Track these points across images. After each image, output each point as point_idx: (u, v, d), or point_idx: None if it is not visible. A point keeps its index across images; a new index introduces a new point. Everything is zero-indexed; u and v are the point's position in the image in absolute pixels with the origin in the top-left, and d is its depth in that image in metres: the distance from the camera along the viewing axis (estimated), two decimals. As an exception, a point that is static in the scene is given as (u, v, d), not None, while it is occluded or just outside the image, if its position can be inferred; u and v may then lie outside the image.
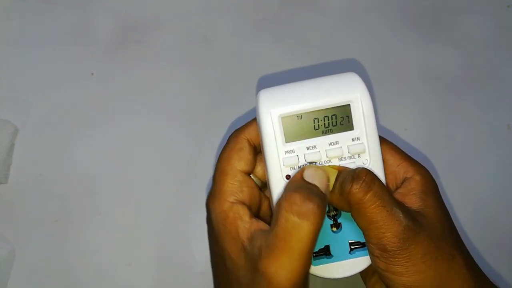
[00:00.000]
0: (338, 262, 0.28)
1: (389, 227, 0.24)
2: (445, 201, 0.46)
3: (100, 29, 0.51)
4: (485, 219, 0.46)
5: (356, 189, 0.25)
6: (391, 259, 0.25)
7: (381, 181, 0.26)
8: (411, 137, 0.48)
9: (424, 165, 0.30)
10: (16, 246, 0.44)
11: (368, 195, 0.25)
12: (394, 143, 0.31)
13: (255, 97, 0.49)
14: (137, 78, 0.49)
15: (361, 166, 0.28)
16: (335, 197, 0.27)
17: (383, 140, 0.30)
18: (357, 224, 0.26)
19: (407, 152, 0.31)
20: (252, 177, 0.30)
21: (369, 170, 0.26)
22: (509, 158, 0.48)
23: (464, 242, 0.28)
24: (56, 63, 0.50)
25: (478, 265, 0.27)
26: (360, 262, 0.28)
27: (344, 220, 0.29)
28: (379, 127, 0.31)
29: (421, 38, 0.52)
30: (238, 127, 0.31)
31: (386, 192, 0.26)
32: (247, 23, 0.52)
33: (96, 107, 0.48)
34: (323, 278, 0.28)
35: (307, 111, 0.28)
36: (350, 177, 0.26)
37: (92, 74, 0.49)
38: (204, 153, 0.47)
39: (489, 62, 0.51)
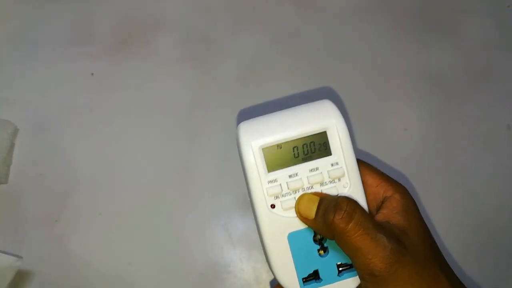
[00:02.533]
0: (328, 285, 0.29)
1: (374, 253, 0.25)
2: (444, 202, 0.46)
3: (100, 29, 0.51)
4: (485, 219, 0.46)
5: (338, 220, 0.26)
6: (380, 283, 0.25)
7: (362, 208, 0.27)
8: (411, 137, 0.48)
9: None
10: (16, 246, 0.44)
11: (351, 224, 0.26)
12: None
13: (254, 96, 0.49)
14: (137, 78, 0.49)
15: (343, 191, 0.29)
16: (318, 225, 0.27)
17: (360, 162, 0.31)
18: (343, 251, 0.27)
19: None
20: None
21: (350, 199, 0.27)
22: (509, 158, 0.48)
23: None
24: (56, 63, 0.50)
25: (460, 281, 0.28)
26: (349, 283, 0.29)
27: (331, 243, 0.29)
28: (356, 149, 0.31)
29: (421, 38, 0.52)
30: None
31: (368, 219, 0.26)
32: (247, 23, 0.52)
33: (96, 107, 0.48)
34: None
35: (286, 140, 0.29)
36: (332, 207, 0.27)
37: (92, 74, 0.49)
38: (204, 152, 0.47)
39: (489, 62, 0.51)
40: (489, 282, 0.44)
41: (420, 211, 0.28)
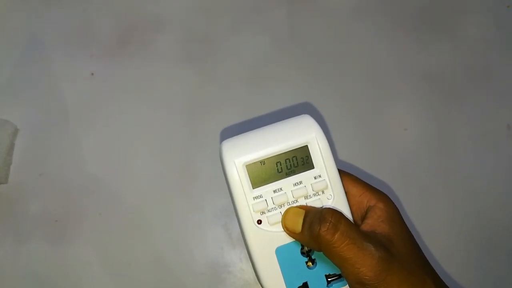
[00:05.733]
0: None
1: (363, 262, 0.25)
2: (444, 202, 0.46)
3: (100, 29, 0.51)
4: (485, 219, 0.46)
5: (324, 231, 0.26)
6: None
7: (347, 219, 0.27)
8: (411, 137, 0.48)
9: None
10: (16, 246, 0.44)
11: (336, 235, 0.26)
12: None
13: (254, 97, 0.49)
14: (137, 78, 0.49)
15: (327, 203, 0.30)
16: (305, 238, 0.28)
17: (343, 173, 0.31)
18: (332, 262, 0.27)
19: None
20: None
21: (334, 210, 0.28)
22: (509, 158, 0.48)
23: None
24: (56, 63, 0.50)
25: (445, 283, 0.28)
26: None
27: (318, 255, 0.30)
28: (337, 161, 0.32)
29: (421, 38, 0.52)
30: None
31: (354, 229, 0.27)
32: (247, 24, 0.52)
33: (96, 107, 0.48)
34: None
35: (269, 156, 0.30)
36: (317, 219, 0.27)
37: (92, 74, 0.49)
38: (204, 152, 0.47)
39: (489, 62, 0.51)
40: (490, 283, 0.44)
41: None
